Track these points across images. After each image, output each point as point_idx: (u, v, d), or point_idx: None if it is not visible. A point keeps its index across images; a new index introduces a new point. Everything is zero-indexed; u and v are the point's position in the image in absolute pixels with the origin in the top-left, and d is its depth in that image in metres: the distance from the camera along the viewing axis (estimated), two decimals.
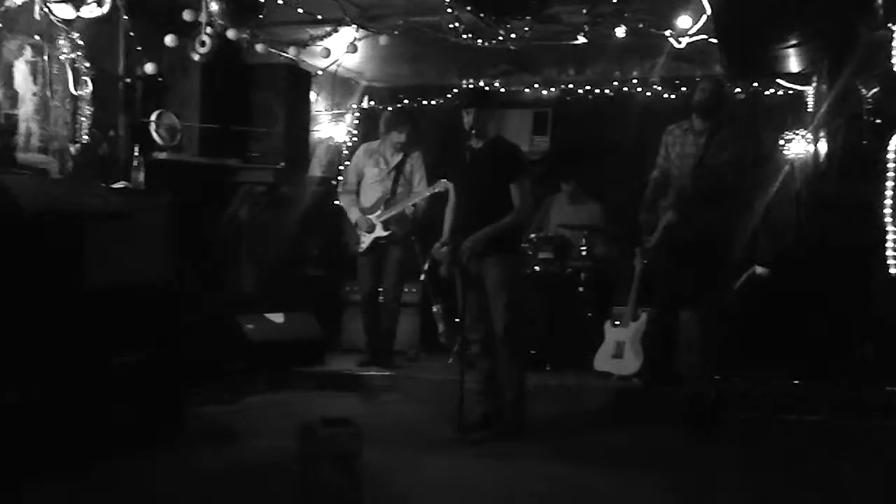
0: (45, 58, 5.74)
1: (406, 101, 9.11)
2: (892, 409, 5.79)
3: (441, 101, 9.09)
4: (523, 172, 5.46)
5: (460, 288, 5.46)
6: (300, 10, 6.73)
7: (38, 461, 4.34)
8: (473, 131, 5.42)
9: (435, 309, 7.76)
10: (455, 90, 8.98)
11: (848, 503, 4.33)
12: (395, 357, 7.29)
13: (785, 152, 7.91)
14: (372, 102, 9.05)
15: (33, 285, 4.54)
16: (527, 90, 8.96)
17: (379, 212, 7.10)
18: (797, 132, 7.84)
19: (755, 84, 8.15)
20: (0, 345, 4.35)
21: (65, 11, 5.55)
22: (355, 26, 7.03)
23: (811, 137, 7.60)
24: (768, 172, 7.70)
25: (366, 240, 7.12)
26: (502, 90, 8.94)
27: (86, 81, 5.98)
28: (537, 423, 5.62)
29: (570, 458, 4.99)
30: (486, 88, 8.45)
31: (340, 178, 7.54)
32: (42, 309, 4.56)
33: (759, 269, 6.98)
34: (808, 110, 7.74)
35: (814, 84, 7.62)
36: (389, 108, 8.64)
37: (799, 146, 7.81)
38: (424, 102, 9.11)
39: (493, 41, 7.13)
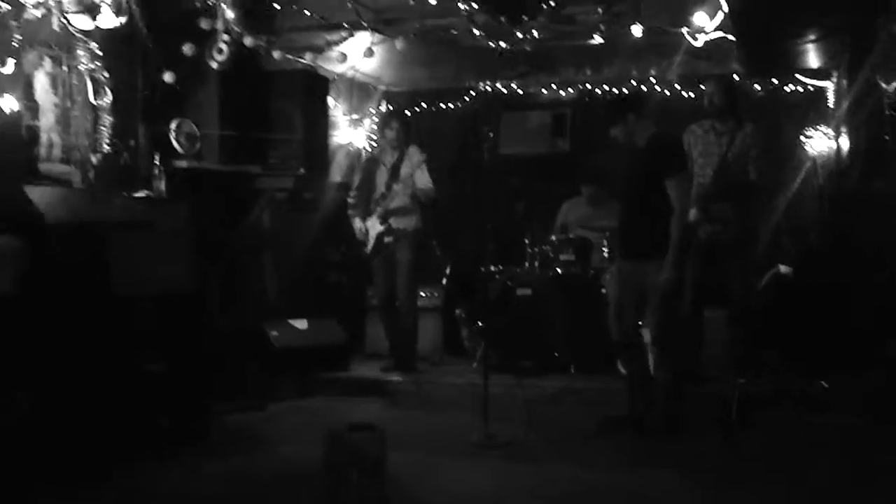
0: (65, 69, 5.78)
1: (424, 105, 9.11)
2: None
3: (459, 103, 9.08)
4: (678, 166, 5.35)
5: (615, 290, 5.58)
6: (316, 16, 6.73)
7: (66, 468, 4.37)
8: (633, 135, 5.43)
9: (458, 312, 7.75)
10: (472, 92, 8.98)
11: None
12: (418, 362, 7.27)
13: (806, 149, 7.85)
14: (390, 107, 9.04)
15: (57, 294, 4.56)
16: (544, 91, 8.93)
17: (378, 209, 7.13)
18: (818, 128, 7.78)
19: (774, 81, 8.08)
20: (28, 355, 4.38)
21: (83, 22, 5.57)
22: (371, 31, 7.03)
23: (833, 134, 7.55)
24: (790, 170, 7.65)
25: (370, 240, 7.14)
26: (520, 91, 8.93)
27: (105, 91, 6.01)
28: (564, 427, 5.62)
29: (595, 460, 4.95)
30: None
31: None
32: (67, 318, 4.58)
33: (782, 268, 6.92)
34: (829, 106, 7.68)
35: (834, 80, 7.57)
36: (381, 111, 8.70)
37: (820, 143, 7.74)
38: (442, 105, 9.11)
39: (510, 43, 7.11)
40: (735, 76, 7.43)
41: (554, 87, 8.85)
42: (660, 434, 5.33)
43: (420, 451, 5.05)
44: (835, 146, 7.49)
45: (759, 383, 6.09)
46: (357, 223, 7.23)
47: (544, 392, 6.43)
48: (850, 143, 7.17)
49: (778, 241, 7.44)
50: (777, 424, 5.67)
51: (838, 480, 4.59)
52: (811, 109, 7.98)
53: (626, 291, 5.51)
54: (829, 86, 7.70)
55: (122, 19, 5.71)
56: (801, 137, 7.89)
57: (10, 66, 5.22)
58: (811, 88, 7.92)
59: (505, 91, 8.94)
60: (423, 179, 7.06)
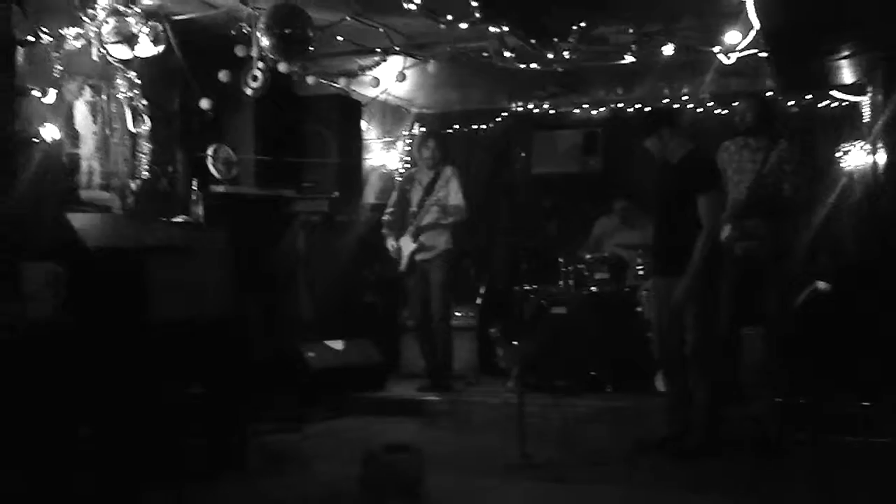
0: (104, 97, 5.91)
1: (456, 127, 9.17)
2: None
3: (491, 125, 9.14)
4: (710, 184, 5.34)
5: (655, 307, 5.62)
6: (349, 42, 6.81)
7: (103, 489, 4.43)
8: (667, 150, 5.42)
9: (493, 332, 7.76)
10: (504, 113, 9.04)
11: None
12: (454, 382, 7.28)
13: (843, 164, 7.80)
14: (422, 129, 9.12)
15: (98, 320, 4.64)
16: (576, 111, 8.96)
17: (411, 227, 7.16)
18: (854, 144, 7.72)
19: (808, 97, 8.04)
20: (70, 378, 4.46)
21: (121, 52, 5.69)
22: (403, 55, 7.10)
23: (869, 149, 7.49)
24: (826, 186, 7.60)
25: (404, 259, 7.17)
26: (552, 111, 8.96)
27: (143, 119, 6.12)
28: (601, 447, 5.58)
29: (632, 480, 4.93)
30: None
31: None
32: (107, 342, 4.65)
33: (820, 285, 6.85)
34: (865, 121, 7.62)
35: (869, 94, 7.51)
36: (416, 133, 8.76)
37: (857, 158, 7.68)
38: (474, 127, 9.16)
39: (541, 64, 7.14)
40: (769, 92, 7.40)
41: (585, 106, 8.88)
42: (698, 454, 5.28)
43: (456, 471, 5.04)
44: (871, 161, 7.43)
45: (799, 402, 6.02)
46: (391, 242, 7.26)
47: (580, 412, 6.40)
48: (887, 158, 7.11)
49: (815, 257, 7.38)
50: (817, 445, 5.59)
51: (881, 502, 4.53)
52: (846, 125, 7.94)
53: (665, 308, 5.49)
54: (864, 101, 7.64)
55: (160, 48, 5.83)
56: (837, 153, 7.84)
57: (51, 96, 5.34)
58: (846, 103, 7.88)
59: (536, 111, 8.98)
60: (455, 197, 7.08)
